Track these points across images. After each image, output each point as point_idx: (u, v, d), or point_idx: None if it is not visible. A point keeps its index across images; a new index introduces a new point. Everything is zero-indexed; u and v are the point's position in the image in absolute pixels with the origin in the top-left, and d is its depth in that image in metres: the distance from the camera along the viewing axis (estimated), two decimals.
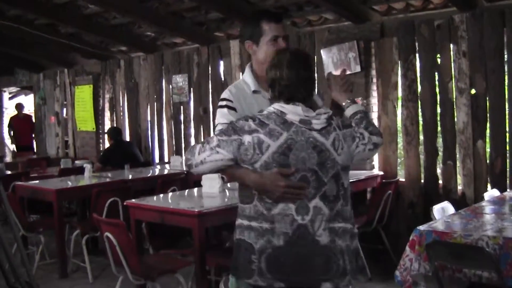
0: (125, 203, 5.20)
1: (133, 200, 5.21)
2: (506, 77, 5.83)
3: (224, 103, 3.00)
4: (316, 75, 7.10)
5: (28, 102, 15.71)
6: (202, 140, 8.67)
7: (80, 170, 7.63)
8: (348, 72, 2.99)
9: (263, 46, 3.04)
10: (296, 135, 2.63)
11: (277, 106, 2.70)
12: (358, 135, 2.79)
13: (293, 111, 2.66)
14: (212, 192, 5.25)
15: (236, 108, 2.97)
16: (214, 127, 2.98)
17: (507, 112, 5.84)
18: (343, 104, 2.99)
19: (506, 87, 5.83)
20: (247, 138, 2.63)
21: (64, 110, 11.87)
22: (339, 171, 2.70)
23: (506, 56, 5.82)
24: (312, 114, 2.68)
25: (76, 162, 9.46)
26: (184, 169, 7.90)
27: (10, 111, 14.91)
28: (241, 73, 8.24)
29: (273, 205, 2.64)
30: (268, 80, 2.81)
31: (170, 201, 5.32)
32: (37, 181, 7.16)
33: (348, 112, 2.95)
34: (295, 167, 2.62)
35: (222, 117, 2.95)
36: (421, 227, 3.61)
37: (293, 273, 2.63)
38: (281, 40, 3.02)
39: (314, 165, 2.64)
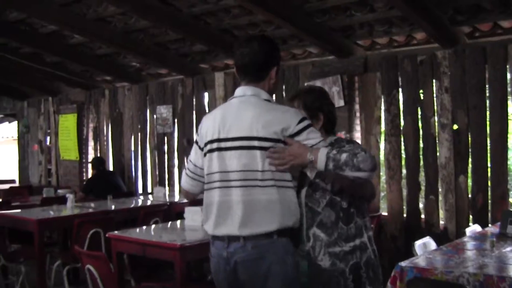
0: (107, 235, 5.16)
1: (116, 232, 5.17)
2: (488, 113, 5.91)
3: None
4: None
5: (12, 130, 15.64)
6: None
7: (62, 200, 7.58)
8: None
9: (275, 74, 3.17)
10: None
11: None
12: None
13: None
14: (194, 225, 5.23)
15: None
16: None
17: (488, 147, 5.90)
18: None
19: (487, 123, 5.91)
20: None
21: (48, 138, 11.82)
22: (331, 197, 2.84)
23: (487, 92, 5.92)
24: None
25: (59, 191, 9.41)
26: (167, 200, 7.89)
27: None
28: None
29: None
30: None
31: (152, 233, 5.29)
32: (18, 210, 7.11)
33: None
34: None
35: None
36: (403, 263, 3.61)
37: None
38: None
39: (303, 200, 2.86)
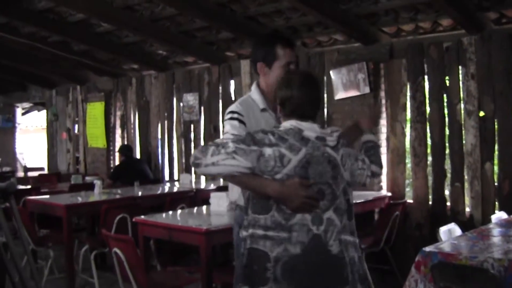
0: (133, 220, 5.24)
1: (142, 216, 5.23)
2: None
3: (235, 115, 3.18)
4: (325, 95, 7.17)
5: (41, 118, 15.83)
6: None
7: (90, 186, 7.68)
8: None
9: (276, 70, 3.22)
10: (313, 150, 2.77)
11: (294, 123, 2.82)
12: (361, 159, 2.99)
13: (310, 128, 2.81)
14: (220, 210, 5.27)
15: (245, 122, 3.16)
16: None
17: None
18: (363, 128, 3.23)
19: None
20: (267, 151, 2.73)
21: (76, 126, 11.94)
22: (346, 187, 2.87)
23: None
24: (327, 131, 2.86)
25: (87, 178, 9.53)
26: (193, 186, 7.95)
27: (23, 126, 15.00)
28: None
29: (291, 216, 2.74)
30: (279, 99, 2.92)
31: (178, 218, 5.36)
32: (47, 196, 7.22)
33: (365, 137, 3.18)
34: (313, 180, 2.76)
35: (233, 128, 3.13)
36: (427, 248, 3.61)
37: (307, 280, 2.73)
38: (292, 66, 3.24)
39: (329, 179, 2.80)
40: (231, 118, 3.17)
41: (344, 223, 2.83)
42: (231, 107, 3.26)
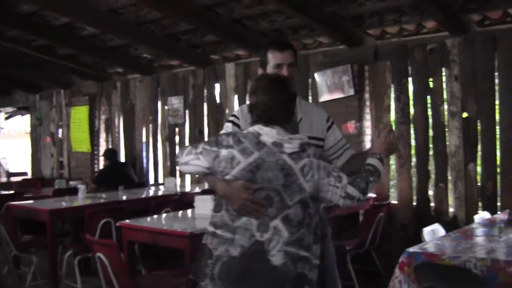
0: (118, 224, 5.21)
1: (126, 221, 5.21)
2: (497, 101, 5.91)
3: (231, 118, 3.27)
4: (310, 97, 7.19)
5: (24, 123, 15.75)
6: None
7: (74, 191, 7.63)
8: (390, 133, 3.02)
9: (269, 72, 3.25)
10: (267, 156, 2.73)
11: (256, 127, 2.82)
12: (336, 176, 2.77)
13: (269, 133, 2.77)
14: (205, 213, 5.24)
15: (240, 125, 3.19)
16: None
17: (498, 135, 5.90)
18: (373, 153, 2.98)
19: (497, 111, 5.91)
20: (223, 152, 2.79)
21: (60, 130, 11.88)
22: (307, 199, 2.74)
23: (497, 79, 5.92)
24: (286, 137, 2.77)
25: (71, 182, 9.47)
26: (178, 190, 7.94)
27: (6, 131, 14.91)
28: (236, 96, 8.30)
29: (237, 217, 2.76)
30: (249, 106, 2.95)
31: (163, 222, 5.34)
32: (31, 201, 7.16)
33: (368, 160, 2.94)
34: (260, 185, 2.72)
35: (224, 129, 3.20)
36: (410, 249, 3.63)
37: (240, 284, 2.72)
38: (285, 68, 3.21)
39: (279, 186, 2.71)
40: (227, 120, 3.28)
41: (299, 236, 2.71)
42: (235, 110, 3.43)
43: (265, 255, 2.68)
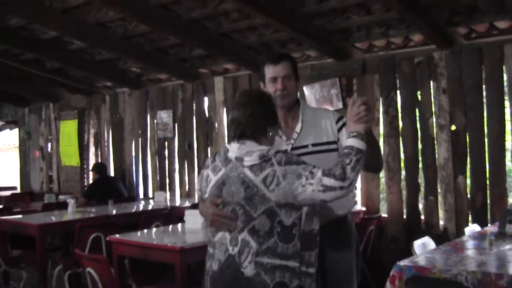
0: (108, 239, 5.20)
1: (116, 235, 5.19)
2: (485, 113, 5.94)
3: None
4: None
5: (13, 137, 15.67)
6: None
7: (63, 205, 7.60)
8: (368, 102, 2.84)
9: (267, 87, 3.32)
10: (231, 171, 2.81)
11: (228, 145, 2.91)
12: (307, 174, 2.69)
13: (233, 149, 2.85)
14: (195, 227, 5.25)
15: None
16: None
17: (486, 147, 5.93)
18: (350, 132, 2.81)
19: (485, 123, 5.94)
20: (203, 172, 2.97)
21: (49, 144, 11.83)
22: (273, 208, 2.72)
23: (484, 92, 5.95)
24: (244, 151, 2.79)
25: (60, 197, 9.43)
26: (168, 204, 7.91)
27: None
28: (225, 109, 8.30)
29: (215, 233, 2.88)
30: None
31: (153, 236, 5.33)
32: (20, 216, 7.13)
33: (347, 142, 2.78)
34: (225, 199, 2.80)
35: None
36: (401, 263, 3.62)
37: None
38: (280, 80, 3.27)
39: (241, 200, 2.75)
40: None
41: (270, 245, 2.71)
42: None
43: (239, 268, 2.73)
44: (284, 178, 2.69)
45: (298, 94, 6.88)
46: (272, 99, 3.04)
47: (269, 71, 3.30)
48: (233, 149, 2.84)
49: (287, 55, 3.49)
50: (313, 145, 3.21)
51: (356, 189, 6.88)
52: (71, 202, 7.19)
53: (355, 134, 2.76)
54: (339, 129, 3.28)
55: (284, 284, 2.71)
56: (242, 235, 2.74)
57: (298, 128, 3.29)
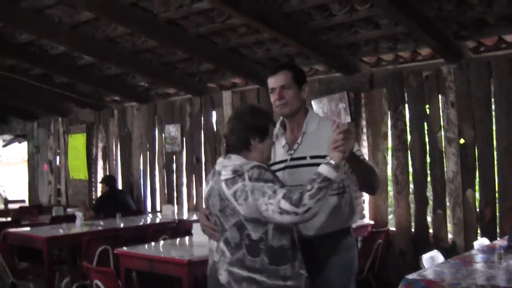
0: (115, 251, 5.20)
1: (124, 248, 5.20)
2: (494, 126, 5.92)
3: None
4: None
5: (22, 150, 15.74)
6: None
7: (71, 218, 7.61)
8: (345, 127, 2.76)
9: (270, 97, 3.37)
10: (215, 183, 2.92)
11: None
12: (270, 194, 2.70)
13: (219, 162, 2.98)
14: (202, 241, 5.21)
15: None
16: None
17: (495, 161, 5.91)
18: (325, 159, 2.75)
19: (494, 136, 5.92)
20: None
21: (57, 158, 11.88)
22: (242, 221, 2.80)
23: (493, 105, 5.94)
24: (222, 165, 2.92)
25: (68, 210, 9.45)
26: (176, 217, 7.91)
27: (4, 159, 14.86)
28: None
29: (210, 240, 3.03)
30: None
31: (160, 249, 5.33)
32: (27, 229, 7.15)
33: (318, 168, 2.74)
34: (211, 210, 2.97)
35: None
36: (410, 276, 3.61)
37: None
38: (277, 91, 3.28)
39: (217, 211, 2.89)
40: None
41: (239, 257, 2.80)
42: None
43: (217, 274, 2.88)
44: (252, 194, 2.75)
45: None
46: (264, 113, 3.07)
47: (269, 82, 3.32)
48: (219, 162, 2.97)
49: (288, 64, 3.49)
50: (312, 157, 3.15)
51: (364, 202, 6.90)
52: (79, 215, 7.21)
53: (327, 161, 2.72)
54: None
55: None
56: (221, 245, 2.88)
57: (300, 138, 3.28)
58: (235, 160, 2.90)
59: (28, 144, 13.06)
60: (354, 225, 5.98)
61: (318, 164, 2.82)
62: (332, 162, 2.70)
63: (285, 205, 2.65)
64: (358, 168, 3.04)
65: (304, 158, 3.19)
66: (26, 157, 13.49)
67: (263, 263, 2.78)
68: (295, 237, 2.92)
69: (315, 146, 3.19)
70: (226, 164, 2.89)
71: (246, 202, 2.75)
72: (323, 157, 2.93)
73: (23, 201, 12.96)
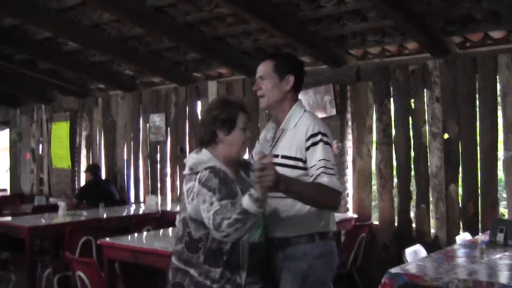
0: (98, 242, 5.16)
1: (107, 239, 5.17)
2: (478, 122, 5.95)
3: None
4: None
5: (4, 138, 15.60)
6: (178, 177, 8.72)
7: (54, 208, 7.56)
8: (262, 164, 2.61)
9: None
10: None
11: None
12: (208, 204, 2.72)
13: (188, 156, 3.05)
14: None
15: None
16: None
17: (479, 156, 5.95)
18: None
19: (478, 132, 5.95)
20: None
21: (40, 146, 11.78)
22: (187, 219, 2.88)
23: (477, 101, 5.97)
24: (188, 160, 2.96)
25: (51, 199, 9.38)
26: (159, 208, 7.88)
27: None
28: None
29: None
30: None
31: (144, 240, 5.30)
32: (9, 218, 7.09)
33: (243, 198, 2.67)
34: None
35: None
36: (393, 270, 3.62)
37: None
38: (256, 82, 3.17)
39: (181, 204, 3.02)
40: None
41: (178, 249, 2.92)
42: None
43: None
44: (197, 196, 2.80)
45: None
46: (232, 104, 3.01)
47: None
48: (188, 156, 3.01)
49: (273, 54, 3.41)
50: (283, 157, 2.99)
51: (348, 196, 6.92)
52: (62, 204, 7.15)
53: (249, 193, 2.65)
54: (307, 148, 2.96)
55: (181, 285, 2.87)
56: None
57: (278, 135, 3.13)
58: (202, 155, 2.91)
59: (10, 132, 12.93)
60: (337, 219, 5.96)
61: (287, 165, 2.90)
62: (254, 194, 2.63)
63: (209, 222, 2.69)
64: (297, 197, 2.86)
65: (277, 156, 2.98)
66: (8, 144, 13.36)
67: (198, 261, 2.83)
68: (242, 246, 2.84)
69: (288, 146, 3.04)
70: (189, 160, 2.93)
71: (192, 202, 2.83)
72: (292, 158, 2.97)
73: (4, 190, 12.83)
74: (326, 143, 2.94)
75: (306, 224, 3.00)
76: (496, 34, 5.75)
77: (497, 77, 5.86)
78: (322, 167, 2.87)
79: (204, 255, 2.81)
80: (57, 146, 11.02)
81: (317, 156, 2.91)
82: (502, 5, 5.30)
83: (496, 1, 5.25)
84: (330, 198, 2.89)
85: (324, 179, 2.84)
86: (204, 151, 2.93)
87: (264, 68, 3.13)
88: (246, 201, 2.62)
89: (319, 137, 2.94)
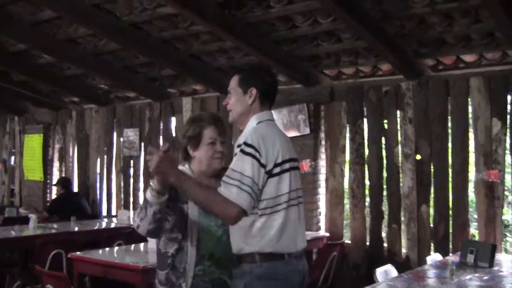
0: (69, 256, 5.13)
1: (78, 252, 5.14)
2: (450, 144, 6.05)
3: None
4: None
5: None
6: None
7: (24, 220, 7.48)
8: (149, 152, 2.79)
9: None
10: None
11: None
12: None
13: None
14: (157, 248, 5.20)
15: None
16: None
17: (450, 177, 6.02)
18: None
19: (449, 153, 6.03)
20: None
21: (12, 158, 11.67)
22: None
23: (449, 123, 6.06)
24: None
25: (21, 210, 9.28)
26: (131, 222, 7.83)
27: None
28: None
29: None
30: None
31: (115, 255, 5.28)
32: None
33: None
34: None
35: None
36: None
37: None
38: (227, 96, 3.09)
39: None
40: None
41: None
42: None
43: None
44: None
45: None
46: (197, 120, 3.15)
47: None
48: None
49: (239, 68, 3.40)
50: (223, 169, 2.96)
51: (320, 214, 6.94)
52: (32, 217, 7.09)
53: (150, 187, 2.83)
54: (235, 155, 2.84)
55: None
56: None
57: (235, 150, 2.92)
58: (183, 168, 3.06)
59: None
60: (309, 237, 5.94)
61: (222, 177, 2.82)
62: (152, 185, 2.82)
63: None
64: (190, 196, 2.82)
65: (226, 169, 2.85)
66: None
67: (154, 263, 3.10)
68: (187, 252, 2.92)
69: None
70: None
71: None
72: (226, 169, 2.84)
73: None
74: (245, 153, 2.75)
75: (247, 242, 2.81)
76: (468, 57, 5.85)
77: (469, 99, 5.96)
78: (225, 175, 2.75)
79: (157, 257, 3.05)
80: (30, 158, 10.92)
81: (230, 165, 2.79)
82: (473, 30, 5.40)
83: (467, 25, 5.35)
84: (219, 206, 2.72)
85: (221, 188, 2.72)
86: (186, 166, 3.09)
87: (231, 83, 3.07)
88: (147, 192, 2.83)
89: (241, 147, 2.79)
